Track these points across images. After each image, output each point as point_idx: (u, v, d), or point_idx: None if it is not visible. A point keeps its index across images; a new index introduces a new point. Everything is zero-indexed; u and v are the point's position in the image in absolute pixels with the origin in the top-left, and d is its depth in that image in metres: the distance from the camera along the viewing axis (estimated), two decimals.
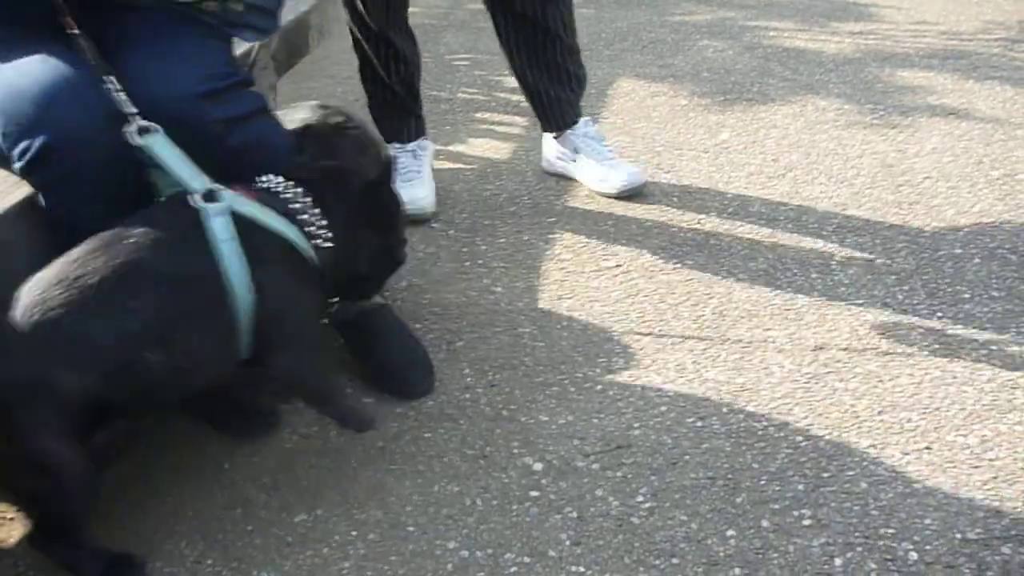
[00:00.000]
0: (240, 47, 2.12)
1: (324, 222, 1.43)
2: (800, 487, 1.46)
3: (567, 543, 1.38)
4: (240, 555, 1.38)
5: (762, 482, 1.47)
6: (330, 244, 1.43)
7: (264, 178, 1.44)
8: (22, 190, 1.43)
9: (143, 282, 1.26)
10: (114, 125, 1.45)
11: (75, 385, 1.20)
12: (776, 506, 1.43)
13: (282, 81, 2.58)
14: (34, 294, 1.22)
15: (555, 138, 2.51)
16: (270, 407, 1.62)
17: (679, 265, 2.10)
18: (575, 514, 1.43)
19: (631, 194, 2.39)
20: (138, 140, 1.35)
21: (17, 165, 1.41)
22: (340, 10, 2.48)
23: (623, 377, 1.74)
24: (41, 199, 1.43)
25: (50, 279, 1.23)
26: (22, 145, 1.39)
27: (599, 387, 1.71)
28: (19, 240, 1.42)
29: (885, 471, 1.49)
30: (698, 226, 2.27)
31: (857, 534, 1.37)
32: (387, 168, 1.56)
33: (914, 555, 1.33)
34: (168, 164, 1.35)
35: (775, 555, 1.34)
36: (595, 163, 2.44)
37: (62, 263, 1.25)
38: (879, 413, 1.62)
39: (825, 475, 1.48)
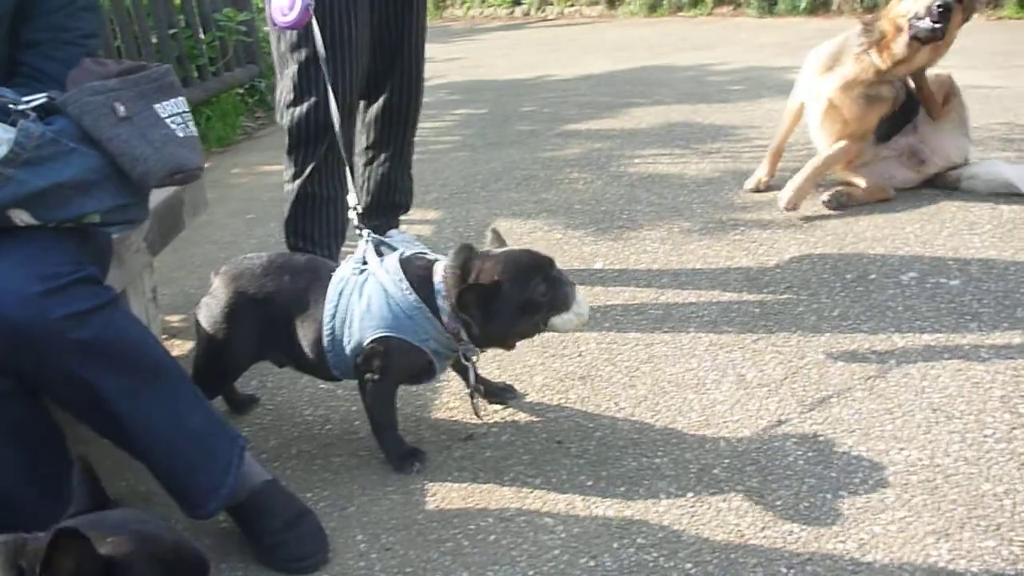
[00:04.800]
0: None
1: None
2: None
3: None
4: None
5: None
6: None
7: None
8: None
9: None
10: None
11: None
12: None
13: (164, 252, 2.60)
14: None
15: None
16: None
17: (564, 400, 2.15)
18: None
19: None
20: None
21: None
22: (216, 181, 2.53)
23: (516, 524, 1.75)
24: None
25: None
26: None
27: (492, 537, 1.72)
28: None
29: None
30: (580, 359, 2.34)
31: None
32: None
33: None
34: None
35: None
36: None
37: None
38: (762, 529, 1.67)
39: None
